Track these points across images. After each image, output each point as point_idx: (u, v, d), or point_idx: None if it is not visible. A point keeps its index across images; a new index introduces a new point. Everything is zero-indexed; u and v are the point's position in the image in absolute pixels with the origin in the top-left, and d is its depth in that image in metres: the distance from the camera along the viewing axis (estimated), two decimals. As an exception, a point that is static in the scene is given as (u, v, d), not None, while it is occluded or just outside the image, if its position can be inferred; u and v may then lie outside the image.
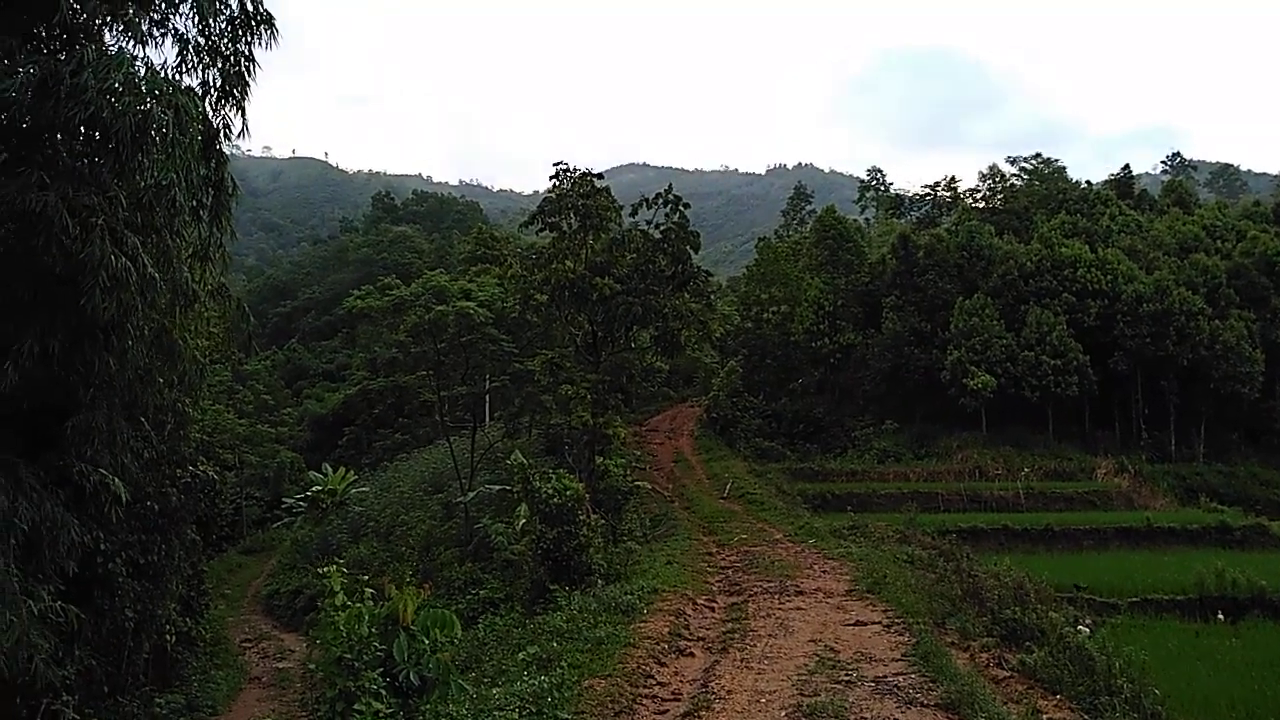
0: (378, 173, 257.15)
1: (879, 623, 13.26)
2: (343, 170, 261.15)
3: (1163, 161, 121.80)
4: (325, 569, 9.46)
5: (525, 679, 10.20)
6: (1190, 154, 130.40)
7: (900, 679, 10.15)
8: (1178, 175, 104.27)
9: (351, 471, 48.64)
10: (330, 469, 48.77)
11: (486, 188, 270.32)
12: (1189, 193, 76.05)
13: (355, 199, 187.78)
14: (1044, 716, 8.63)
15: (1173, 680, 11.67)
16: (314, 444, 66.94)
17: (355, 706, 8.09)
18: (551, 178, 31.38)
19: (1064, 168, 69.29)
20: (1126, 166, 74.05)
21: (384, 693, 8.75)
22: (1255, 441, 49.71)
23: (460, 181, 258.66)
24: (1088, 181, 69.04)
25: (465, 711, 9.08)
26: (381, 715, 7.89)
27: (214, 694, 23.23)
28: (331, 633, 9.05)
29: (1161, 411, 48.59)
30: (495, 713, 8.87)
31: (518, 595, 19.69)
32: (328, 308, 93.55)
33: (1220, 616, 19.33)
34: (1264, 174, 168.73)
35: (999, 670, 10.67)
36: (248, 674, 27.21)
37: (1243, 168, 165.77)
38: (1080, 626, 13.29)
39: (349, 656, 8.78)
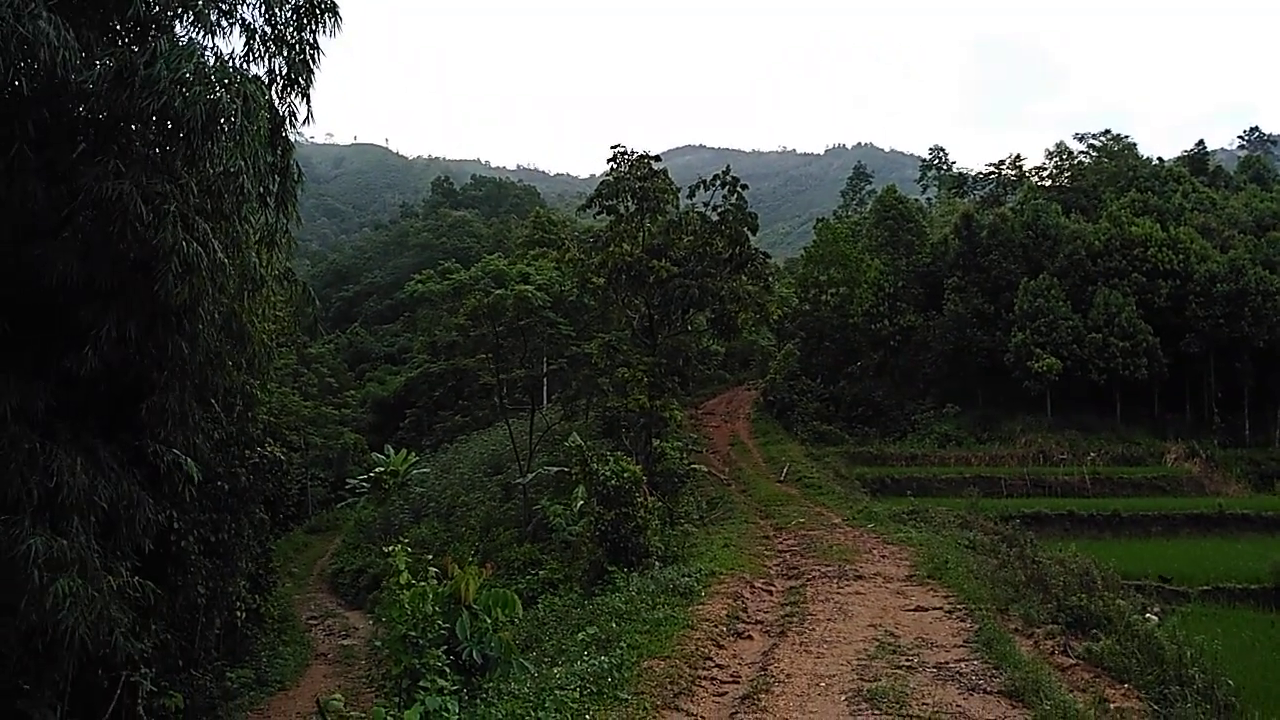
0: (437, 158, 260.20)
1: (940, 608, 13.10)
2: (403, 156, 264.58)
3: (1239, 136, 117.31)
4: (390, 548, 9.66)
5: (585, 659, 10.31)
6: (1270, 129, 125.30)
7: (962, 665, 10.03)
8: (1255, 151, 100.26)
9: (413, 453, 49.47)
10: (392, 450, 49.65)
11: (544, 172, 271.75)
12: (1267, 168, 73.14)
13: (415, 184, 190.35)
14: (1111, 705, 8.45)
15: (1247, 671, 11.33)
16: (376, 426, 68.17)
17: (420, 683, 8.26)
18: (609, 160, 31.41)
19: (1134, 144, 67.14)
20: (1201, 142, 71.57)
21: (448, 670, 8.92)
22: (1337, 426, 47.79)
23: (518, 166, 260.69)
24: (1159, 159, 66.95)
25: (527, 690, 9.21)
26: (446, 692, 8.04)
27: (282, 669, 23.93)
28: (397, 611, 9.25)
29: (1235, 394, 46.98)
30: (556, 691, 8.98)
31: (576, 576, 19.89)
32: (389, 292, 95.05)
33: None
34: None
35: (1064, 658, 10.47)
36: (314, 650, 27.96)
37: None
38: (1148, 614, 12.99)
39: (414, 634, 8.96)
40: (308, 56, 14.12)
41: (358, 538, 43.49)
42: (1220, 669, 9.77)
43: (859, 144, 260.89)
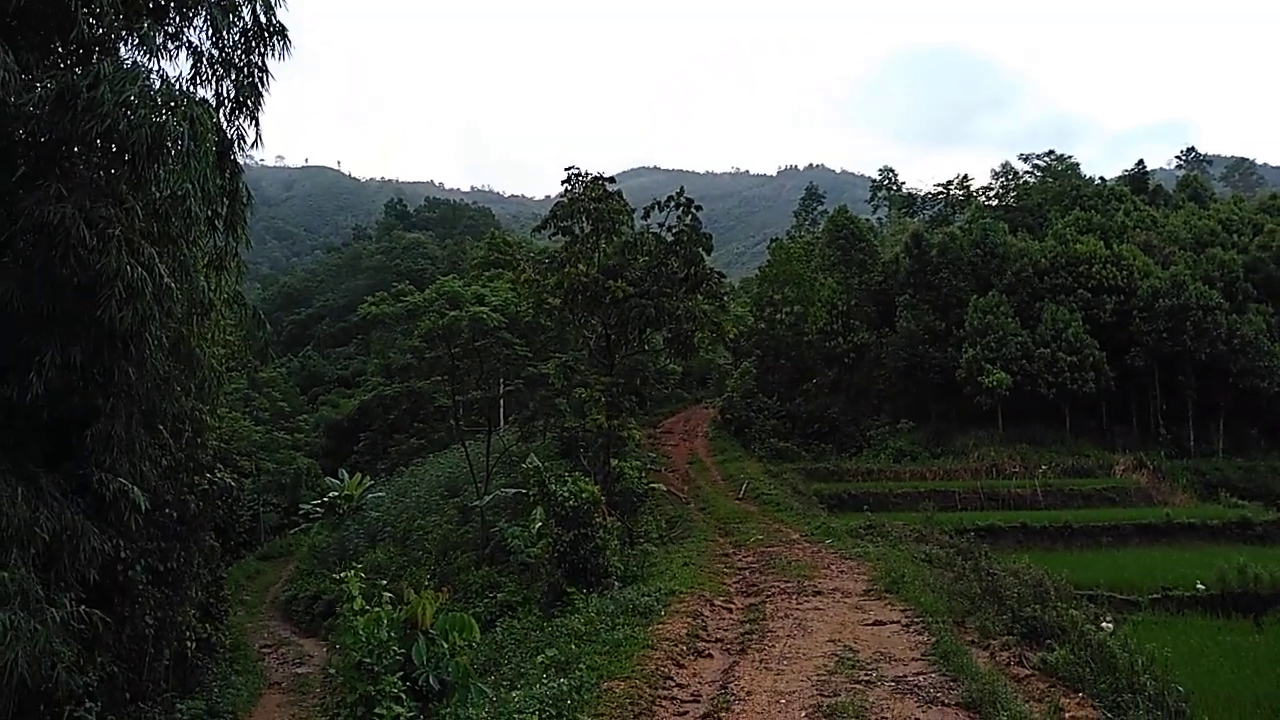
0: (390, 180, 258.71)
1: (898, 622, 13.21)
2: (355, 178, 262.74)
3: (1177, 156, 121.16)
4: (343, 574, 9.51)
5: (544, 682, 10.22)
6: (1205, 149, 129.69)
7: (920, 678, 10.11)
8: (1192, 170, 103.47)
9: (367, 477, 48.81)
10: (346, 474, 48.94)
11: (498, 194, 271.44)
12: (1204, 187, 75.53)
13: (368, 206, 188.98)
14: (1066, 715, 8.57)
15: (1195, 677, 11.57)
16: (330, 450, 67.20)
17: (375, 710, 8.12)
18: (563, 182, 31.45)
19: (1077, 164, 69.00)
20: (1141, 162, 73.67)
21: (404, 696, 8.79)
22: (1275, 436, 49.23)
23: (472, 188, 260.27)
24: (1101, 178, 68.80)
25: (485, 715, 9.11)
26: (402, 719, 7.91)
27: (234, 699, 23.35)
28: (351, 637, 9.09)
29: (1179, 407, 48.24)
30: (515, 715, 8.89)
31: (535, 598, 19.73)
32: (342, 314, 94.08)
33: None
34: (1275, 167, 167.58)
35: (1020, 669, 10.60)
36: (267, 679, 27.36)
37: (1258, 161, 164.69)
38: (1103, 624, 13.21)
39: (368, 661, 8.82)
40: (256, 79, 14.02)
41: (312, 564, 42.71)
42: (1170, 676, 9.96)
43: (811, 165, 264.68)
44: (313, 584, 38.93)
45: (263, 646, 32.65)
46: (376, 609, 9.44)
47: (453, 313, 36.86)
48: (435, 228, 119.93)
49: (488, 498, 33.20)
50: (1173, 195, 69.40)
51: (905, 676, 10.22)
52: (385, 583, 10.34)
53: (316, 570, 40.19)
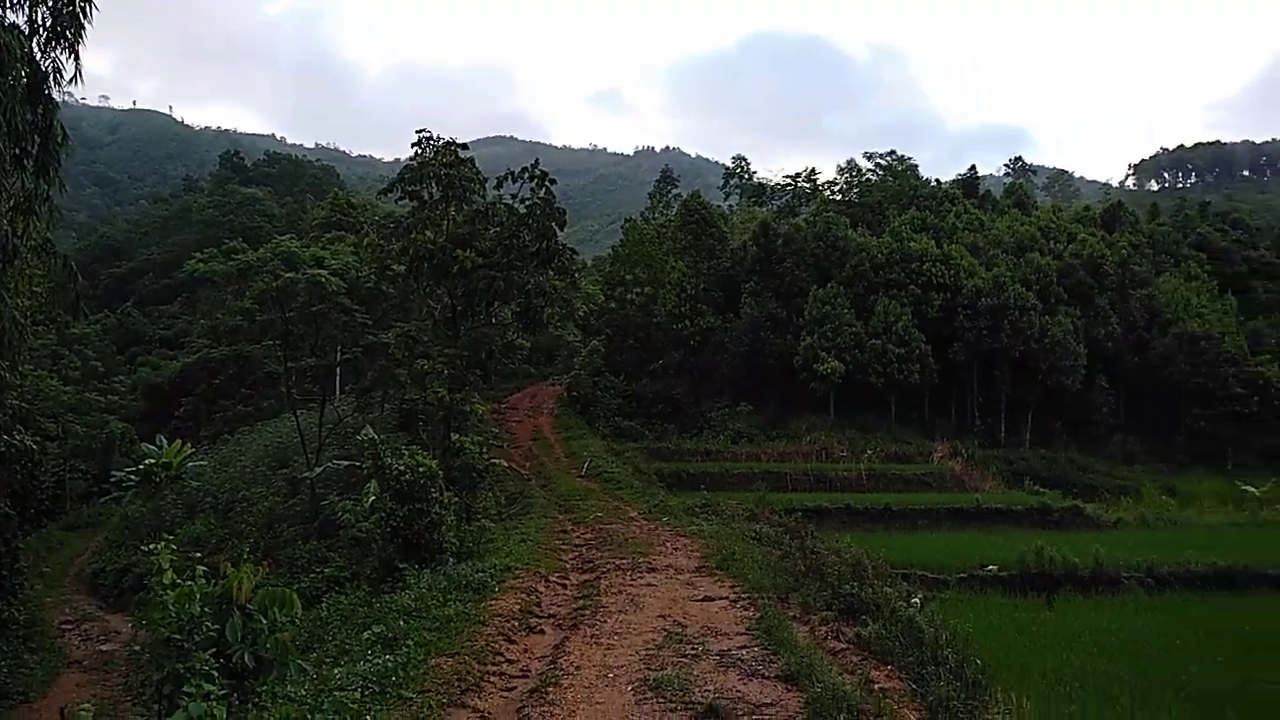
0: (226, 130, 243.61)
1: (726, 598, 13.61)
2: (188, 126, 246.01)
3: (1006, 165, 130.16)
4: (152, 545, 8.88)
5: (369, 658, 9.94)
6: (1032, 159, 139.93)
7: (744, 652, 10.45)
8: (1018, 178, 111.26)
9: (188, 444, 45.99)
10: (165, 441, 45.93)
11: (344, 153, 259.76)
12: (1028, 195, 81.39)
13: (201, 156, 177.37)
14: (876, 685, 9.05)
15: (992, 651, 12.48)
16: (148, 414, 63.04)
17: (184, 689, 7.63)
18: (414, 144, 30.44)
19: (916, 165, 72.77)
20: (973, 168, 78.60)
21: (216, 674, 8.31)
22: (1075, 430, 53.77)
23: (316, 145, 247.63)
24: (937, 180, 72.84)
25: (304, 692, 8.76)
26: (212, 697, 7.47)
27: (26, 679, 21.69)
28: (159, 612, 8.50)
29: (993, 401, 51.91)
30: (336, 692, 8.61)
31: (365, 574, 19.14)
32: (167, 271, 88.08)
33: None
34: (1094, 181, 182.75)
35: (836, 642, 11.12)
36: (66, 658, 25.53)
37: (1075, 174, 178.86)
38: (913, 600, 14.04)
39: (178, 637, 8.28)
40: (77, 7, 12.86)
41: (123, 535, 39.98)
42: (970, 649, 10.69)
43: (667, 148, 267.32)
44: (123, 556, 36.51)
45: (63, 623, 30.43)
46: (189, 583, 8.88)
47: (289, 274, 35.08)
48: (274, 184, 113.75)
49: (319, 469, 31.96)
50: (999, 201, 74.35)
51: (730, 650, 10.54)
52: (200, 555, 9.73)
53: (128, 542, 37.64)
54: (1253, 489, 43.61)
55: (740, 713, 8.32)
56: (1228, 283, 69.51)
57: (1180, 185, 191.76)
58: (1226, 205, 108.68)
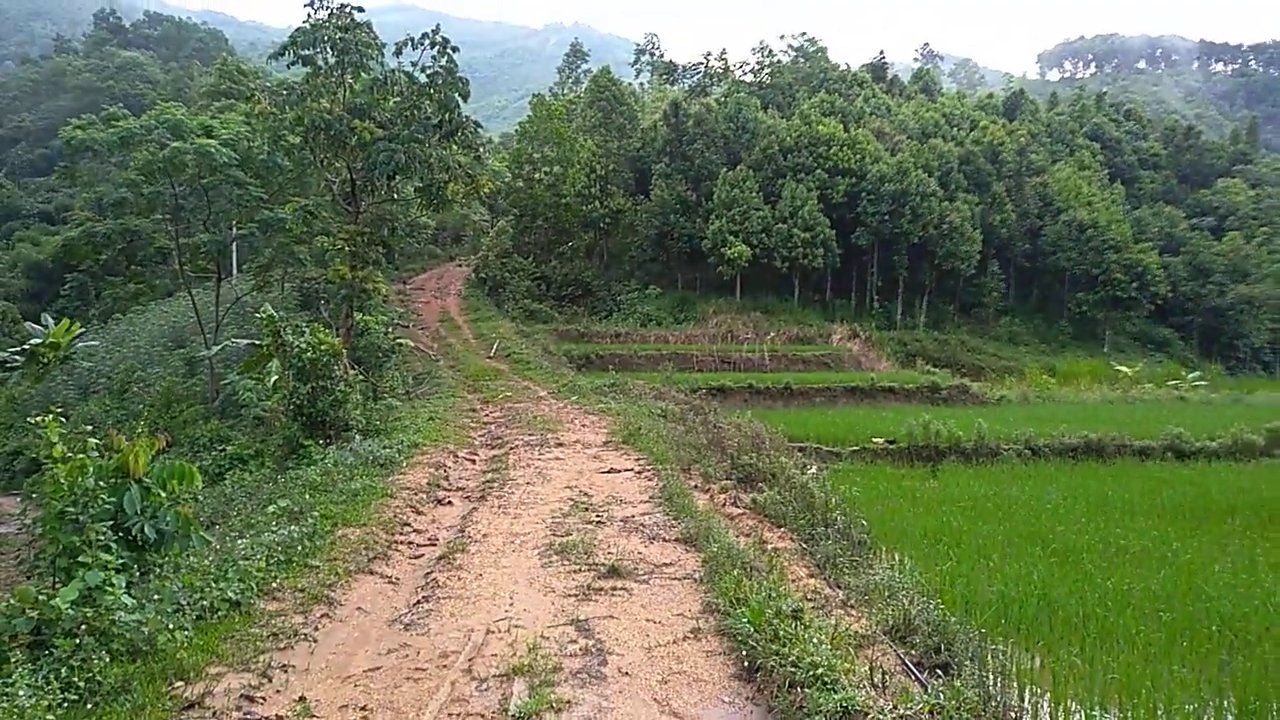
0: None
1: (631, 470, 14.02)
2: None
3: (916, 50, 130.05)
4: (39, 418, 8.61)
5: (274, 530, 9.97)
6: (939, 48, 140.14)
7: (646, 518, 10.86)
8: (926, 64, 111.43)
9: (77, 323, 44.04)
10: (51, 320, 43.85)
11: (233, 17, 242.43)
12: (934, 81, 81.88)
13: (72, 15, 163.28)
14: (769, 545, 9.58)
15: (879, 515, 13.27)
16: (31, 293, 60.02)
17: (80, 560, 7.56)
18: (306, 5, 28.58)
19: (825, 49, 72.09)
20: (882, 52, 78.27)
21: (114, 545, 8.24)
22: (967, 313, 56.04)
23: (203, 7, 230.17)
24: (847, 64, 72.48)
25: (207, 564, 8.77)
26: (110, 567, 7.43)
27: (-90, 565, 20.95)
28: (52, 487, 8.32)
29: (892, 285, 53.46)
30: (240, 562, 8.66)
31: (269, 451, 18.97)
32: (42, 139, 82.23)
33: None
34: (998, 71, 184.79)
35: (734, 508, 11.66)
36: (-46, 542, 24.70)
37: (979, 64, 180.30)
38: (810, 470, 14.74)
39: (72, 510, 8.14)
40: None
41: (11, 417, 38.38)
42: (858, 513, 11.37)
43: (577, 23, 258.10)
44: (12, 439, 35.16)
45: (-52, 507, 29.31)
46: (81, 456, 8.67)
47: (175, 144, 33.07)
48: (157, 47, 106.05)
49: (217, 348, 31.10)
50: (907, 86, 74.68)
51: (633, 517, 10.94)
52: (91, 429, 9.47)
53: (17, 424, 36.22)
54: (1125, 369, 46.56)
55: (641, 572, 8.71)
56: (1118, 172, 72.20)
57: (1080, 76, 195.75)
58: (1122, 96, 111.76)
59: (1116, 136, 78.62)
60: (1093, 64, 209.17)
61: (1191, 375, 46.48)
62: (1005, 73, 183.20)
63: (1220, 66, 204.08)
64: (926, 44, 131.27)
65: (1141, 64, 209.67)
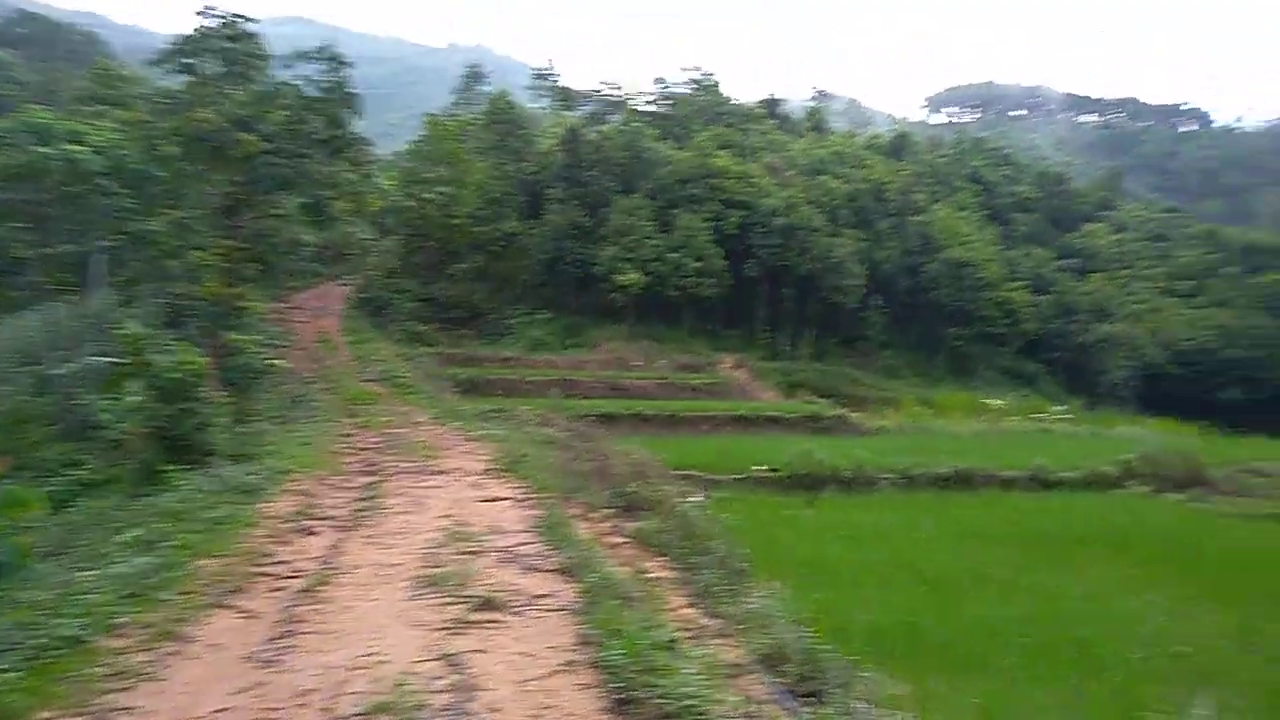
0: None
1: (512, 498, 13.74)
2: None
3: (813, 89, 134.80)
4: None
5: (124, 561, 9.33)
6: (829, 88, 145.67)
7: (525, 548, 10.63)
8: (819, 103, 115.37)
9: (-84, 337, 40.75)
10: (-114, 332, 40.47)
11: (111, 20, 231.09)
12: (825, 120, 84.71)
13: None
14: (649, 575, 9.52)
15: (757, 543, 13.38)
16: None
17: (-105, 597, 6.90)
18: (198, 13, 27.57)
19: (717, 83, 73.76)
20: (773, 92, 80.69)
21: (-64, 581, 7.56)
22: (850, 346, 57.84)
23: (77, 9, 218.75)
24: (742, 100, 74.37)
25: (48, 597, 8.13)
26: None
27: None
28: None
29: (779, 316, 54.75)
30: (84, 595, 8.04)
31: (125, 477, 17.86)
32: (-111, 138, 76.10)
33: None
34: (884, 112, 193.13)
35: (616, 538, 11.56)
36: None
37: (865, 105, 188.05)
38: (693, 498, 14.79)
39: (-112, 542, 7.45)
40: None
41: None
42: (737, 541, 11.44)
43: (477, 45, 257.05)
44: None
45: None
46: (-98, 483, 7.95)
47: (40, 149, 31.24)
48: (25, 47, 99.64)
49: (73, 366, 29.22)
50: (799, 124, 77.09)
51: (511, 547, 10.69)
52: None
53: None
54: (994, 402, 48.80)
55: (516, 604, 8.50)
56: (994, 214, 76.12)
57: (963, 120, 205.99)
58: (1001, 141, 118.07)
59: (993, 179, 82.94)
60: (977, 109, 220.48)
61: (1056, 409, 49.06)
62: (889, 114, 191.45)
63: (1087, 117, 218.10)
64: (817, 88, 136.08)
65: (1022, 111, 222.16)
